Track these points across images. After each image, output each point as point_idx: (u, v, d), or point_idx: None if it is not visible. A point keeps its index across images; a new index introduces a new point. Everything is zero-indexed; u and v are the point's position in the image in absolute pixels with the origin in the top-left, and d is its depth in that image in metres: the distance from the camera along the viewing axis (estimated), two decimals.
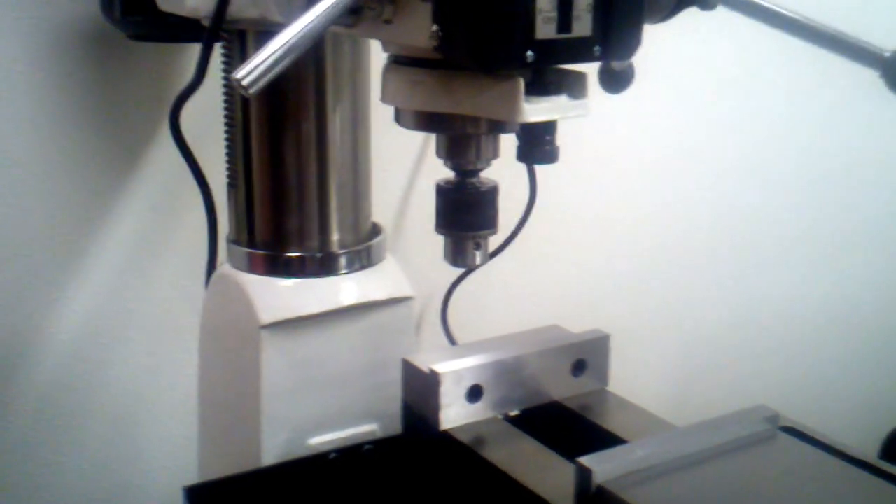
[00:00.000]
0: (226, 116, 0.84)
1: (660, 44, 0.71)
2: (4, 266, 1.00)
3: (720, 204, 1.50)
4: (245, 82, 0.54)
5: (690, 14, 0.72)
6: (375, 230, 0.88)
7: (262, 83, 0.55)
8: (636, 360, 1.44)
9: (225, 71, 0.84)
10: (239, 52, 0.82)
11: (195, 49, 0.86)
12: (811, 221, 1.61)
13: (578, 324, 0.85)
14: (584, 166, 1.33)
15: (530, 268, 1.32)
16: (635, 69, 0.74)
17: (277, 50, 0.55)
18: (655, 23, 0.72)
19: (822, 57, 0.75)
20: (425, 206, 0.70)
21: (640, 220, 1.42)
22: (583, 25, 0.57)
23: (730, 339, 1.57)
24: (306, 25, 0.56)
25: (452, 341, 1.16)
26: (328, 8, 0.57)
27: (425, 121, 0.63)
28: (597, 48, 0.58)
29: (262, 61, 0.55)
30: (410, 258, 1.07)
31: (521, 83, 0.57)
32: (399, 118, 0.65)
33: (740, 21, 0.75)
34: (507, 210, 0.72)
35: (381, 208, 0.91)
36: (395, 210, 1.18)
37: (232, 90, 0.84)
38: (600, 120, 0.90)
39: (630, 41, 0.59)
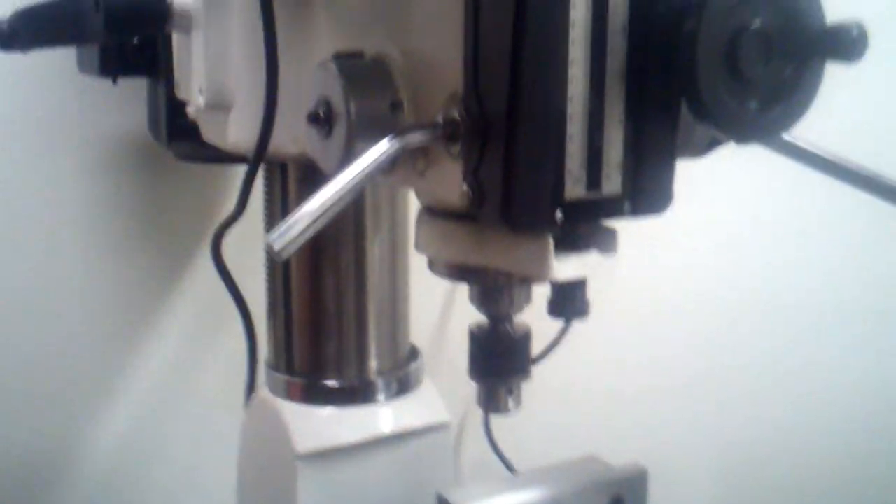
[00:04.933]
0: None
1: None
2: (44, 378, 1.01)
3: (757, 331, 1.47)
4: (276, 247, 0.55)
5: None
6: (413, 353, 0.88)
7: (293, 248, 0.56)
8: (675, 490, 1.40)
9: (266, 199, 0.86)
10: (280, 183, 0.84)
11: (241, 168, 0.88)
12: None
13: (615, 448, 0.84)
14: (616, 292, 1.31)
15: (565, 390, 1.30)
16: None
17: (310, 214, 0.55)
18: (689, 158, 0.72)
19: None
20: (466, 319, 0.70)
21: (676, 346, 1.40)
22: (612, 184, 0.57)
23: (774, 467, 1.53)
24: (343, 186, 0.56)
25: (507, 464, 1.15)
26: (367, 167, 0.57)
27: (457, 272, 0.63)
28: (627, 205, 0.58)
29: (294, 226, 0.55)
30: (448, 372, 1.07)
31: (550, 241, 0.57)
32: (432, 266, 0.66)
33: None
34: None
35: (420, 318, 0.91)
36: (435, 322, 1.18)
37: (272, 218, 0.85)
38: (636, 246, 0.90)
39: (661, 197, 0.59)
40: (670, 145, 0.59)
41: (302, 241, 0.56)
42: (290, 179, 0.83)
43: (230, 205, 0.81)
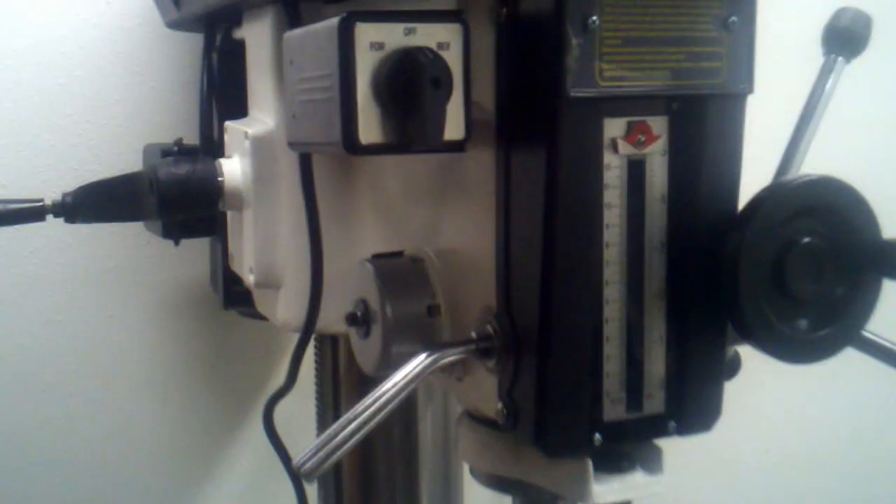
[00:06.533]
0: (318, 415, 0.85)
1: None
2: None
3: None
4: (306, 470, 0.54)
5: None
6: None
7: (323, 470, 0.54)
8: None
9: (317, 369, 0.85)
10: (331, 355, 0.83)
11: None
12: None
13: None
14: None
15: None
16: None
17: (340, 438, 0.54)
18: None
19: None
20: None
21: None
22: (655, 403, 0.54)
23: None
24: (374, 407, 0.55)
25: None
26: (401, 384, 0.55)
27: (497, 482, 0.61)
28: (671, 423, 0.55)
29: (324, 448, 0.54)
30: None
31: (590, 464, 0.54)
32: (473, 473, 0.63)
33: None
34: None
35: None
36: None
37: (322, 388, 0.84)
38: None
39: (709, 414, 0.56)
40: (717, 361, 0.55)
41: (332, 463, 0.54)
42: (340, 352, 0.82)
43: (287, 354, 0.81)
